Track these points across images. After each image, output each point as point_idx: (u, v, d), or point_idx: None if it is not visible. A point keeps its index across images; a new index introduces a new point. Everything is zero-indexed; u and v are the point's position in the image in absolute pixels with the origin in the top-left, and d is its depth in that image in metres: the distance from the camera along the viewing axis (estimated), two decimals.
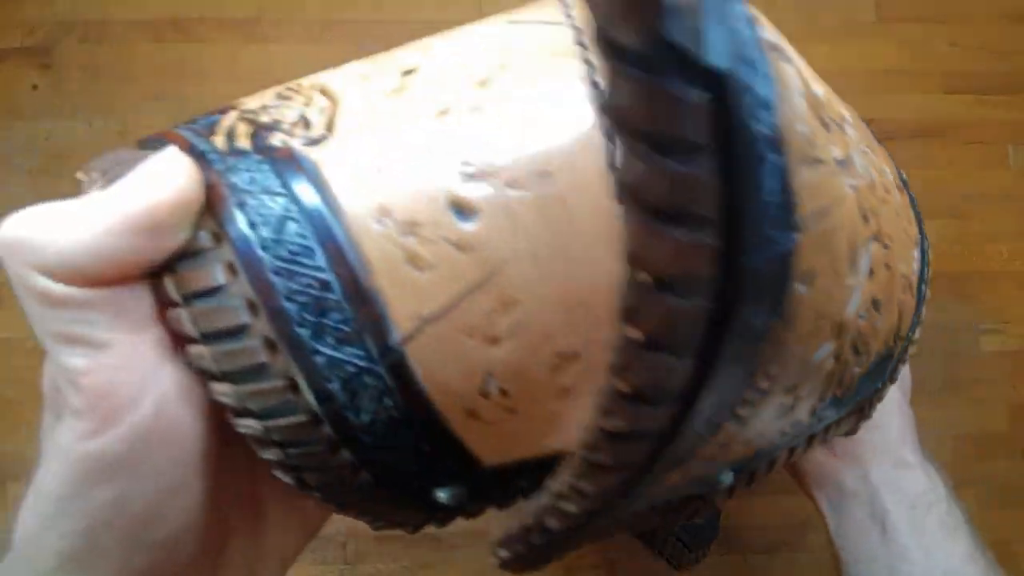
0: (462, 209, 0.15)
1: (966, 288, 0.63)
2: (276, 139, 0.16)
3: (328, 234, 0.14)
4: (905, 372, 0.36)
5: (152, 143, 0.17)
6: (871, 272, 0.16)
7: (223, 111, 0.18)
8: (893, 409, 0.34)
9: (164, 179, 0.14)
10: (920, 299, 0.21)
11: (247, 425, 0.15)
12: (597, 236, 0.15)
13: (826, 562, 0.60)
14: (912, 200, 0.21)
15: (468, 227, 0.15)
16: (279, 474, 0.15)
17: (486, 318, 0.15)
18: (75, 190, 0.66)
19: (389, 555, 0.57)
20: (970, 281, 0.63)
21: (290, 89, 0.19)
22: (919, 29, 0.65)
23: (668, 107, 0.09)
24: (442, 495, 0.17)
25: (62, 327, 0.14)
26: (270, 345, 0.14)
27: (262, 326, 0.14)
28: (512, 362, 0.15)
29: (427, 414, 0.15)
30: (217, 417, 0.15)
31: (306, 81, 0.19)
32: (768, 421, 0.15)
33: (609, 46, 0.09)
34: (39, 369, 0.17)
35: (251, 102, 0.19)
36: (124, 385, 0.14)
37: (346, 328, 0.14)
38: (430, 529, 0.60)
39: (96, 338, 0.14)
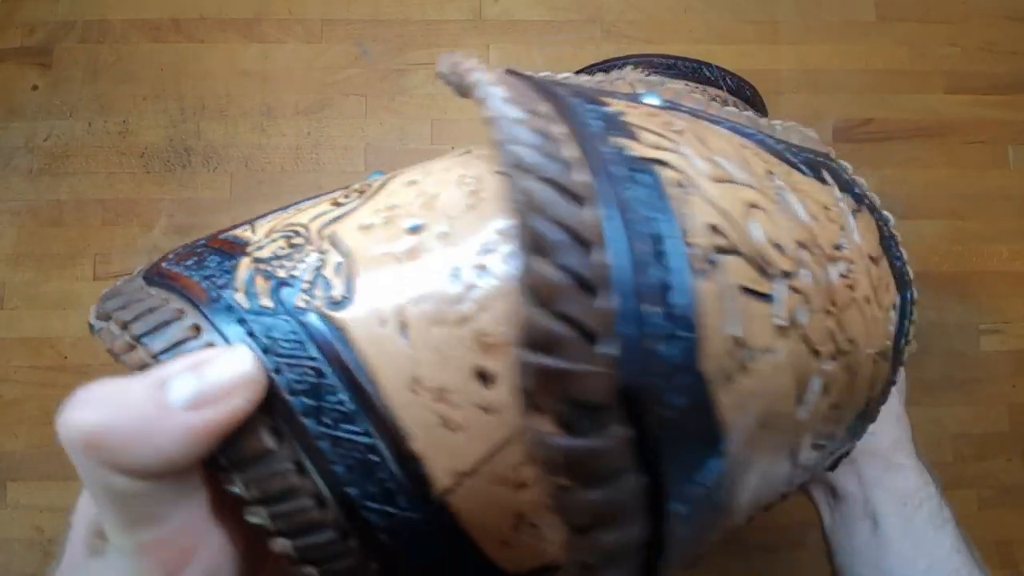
0: (485, 377, 0.15)
1: (966, 288, 0.63)
2: (299, 299, 0.16)
3: (368, 403, 0.16)
4: (901, 379, 0.37)
5: (161, 282, 0.18)
6: (825, 388, 0.17)
7: (231, 251, 0.18)
8: (888, 417, 0.35)
9: (244, 391, 0.15)
10: (898, 352, 0.22)
11: (309, 573, 0.16)
12: None
13: (827, 561, 0.60)
14: (892, 253, 0.21)
15: (491, 393, 0.15)
16: None
17: (513, 470, 0.16)
18: (74, 191, 0.66)
19: None
20: (970, 281, 0.63)
21: (297, 234, 0.18)
22: (919, 29, 0.65)
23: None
24: None
25: (130, 513, 0.15)
26: (321, 502, 0.16)
27: (311, 486, 0.16)
28: (540, 502, 0.16)
29: (465, 547, 0.17)
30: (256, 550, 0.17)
31: (309, 220, 0.19)
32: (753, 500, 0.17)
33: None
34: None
35: (260, 245, 0.18)
36: (181, 550, 0.15)
37: (392, 485, 0.16)
38: None
39: (159, 514, 0.15)
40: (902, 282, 0.22)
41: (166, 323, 0.16)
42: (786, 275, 0.16)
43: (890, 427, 0.36)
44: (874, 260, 0.20)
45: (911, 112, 0.64)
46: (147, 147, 0.61)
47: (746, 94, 0.49)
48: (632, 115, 0.17)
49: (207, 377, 0.15)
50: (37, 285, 0.59)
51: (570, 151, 0.13)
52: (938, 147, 0.64)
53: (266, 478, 0.15)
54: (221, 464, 0.15)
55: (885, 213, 0.23)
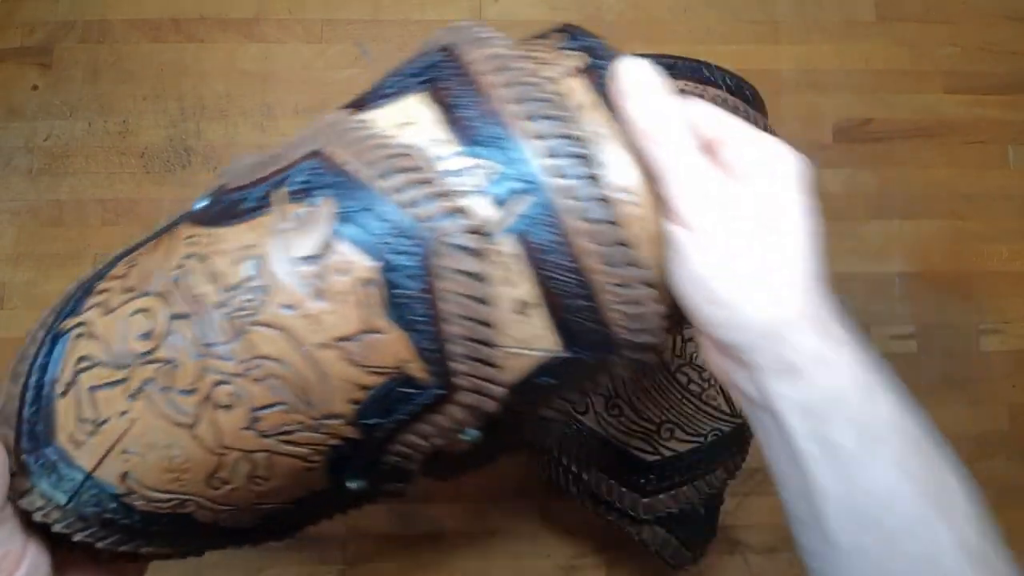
0: None
1: (966, 288, 0.63)
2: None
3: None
4: (796, 241, 0.24)
5: None
6: (228, 405, 0.25)
7: None
8: (743, 297, 0.24)
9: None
10: (419, 321, 0.24)
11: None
12: None
13: None
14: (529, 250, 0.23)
15: None
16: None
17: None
18: (74, 191, 0.66)
19: (389, 555, 0.57)
20: (970, 281, 0.63)
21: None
22: (919, 29, 0.65)
23: None
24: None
25: None
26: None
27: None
28: None
29: None
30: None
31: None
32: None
33: None
34: None
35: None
36: (11, 558, 0.25)
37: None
38: (430, 529, 0.60)
39: None
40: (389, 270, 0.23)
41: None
42: (144, 354, 0.24)
43: (760, 311, 0.23)
44: (342, 271, 0.23)
45: (911, 112, 0.64)
46: (147, 147, 0.61)
47: (746, 94, 0.49)
48: (115, 288, 0.26)
49: None
50: (37, 285, 0.59)
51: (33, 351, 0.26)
52: (938, 147, 0.64)
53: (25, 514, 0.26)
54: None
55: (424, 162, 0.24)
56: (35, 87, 0.61)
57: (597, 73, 0.26)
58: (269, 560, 0.57)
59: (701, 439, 0.45)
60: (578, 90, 0.25)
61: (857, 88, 0.64)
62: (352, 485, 0.28)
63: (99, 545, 0.27)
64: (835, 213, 0.63)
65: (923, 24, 0.65)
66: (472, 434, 0.27)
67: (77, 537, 0.26)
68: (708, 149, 0.26)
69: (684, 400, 0.44)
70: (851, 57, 0.65)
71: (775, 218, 0.25)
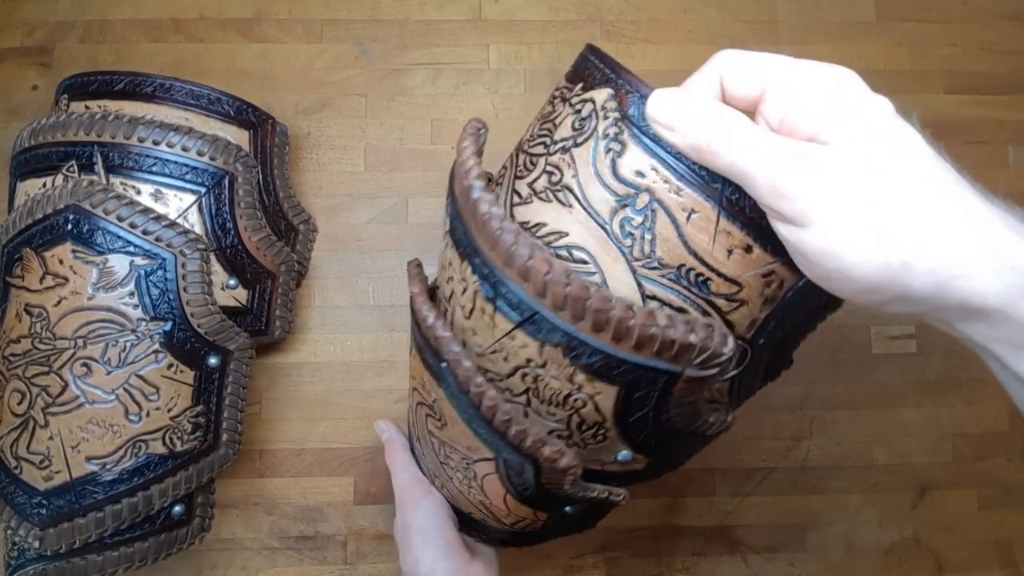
0: None
1: None
2: None
3: None
4: (917, 177, 0.22)
5: None
6: None
7: None
8: (896, 272, 0.21)
9: None
10: None
11: None
12: None
13: (826, 562, 0.60)
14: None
15: None
16: None
17: None
18: None
19: (389, 555, 0.57)
20: None
21: None
22: (919, 29, 0.65)
23: None
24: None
25: None
26: None
27: None
28: None
29: None
30: None
31: None
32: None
33: None
34: None
35: None
36: None
37: None
38: None
39: None
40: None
41: None
42: None
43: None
44: None
45: (911, 112, 0.64)
46: None
47: None
48: None
49: None
50: None
51: None
52: None
53: None
54: None
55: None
56: (35, 87, 0.61)
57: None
58: (269, 560, 0.57)
59: None
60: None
61: None
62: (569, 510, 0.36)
63: None
64: None
65: (923, 24, 0.65)
66: (624, 455, 0.32)
67: None
68: (755, 105, 0.23)
69: None
70: (851, 57, 0.65)
71: (882, 163, 0.21)
